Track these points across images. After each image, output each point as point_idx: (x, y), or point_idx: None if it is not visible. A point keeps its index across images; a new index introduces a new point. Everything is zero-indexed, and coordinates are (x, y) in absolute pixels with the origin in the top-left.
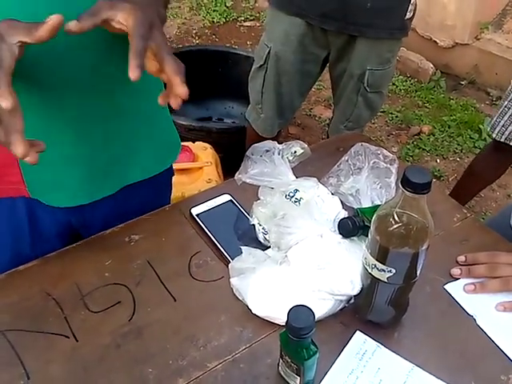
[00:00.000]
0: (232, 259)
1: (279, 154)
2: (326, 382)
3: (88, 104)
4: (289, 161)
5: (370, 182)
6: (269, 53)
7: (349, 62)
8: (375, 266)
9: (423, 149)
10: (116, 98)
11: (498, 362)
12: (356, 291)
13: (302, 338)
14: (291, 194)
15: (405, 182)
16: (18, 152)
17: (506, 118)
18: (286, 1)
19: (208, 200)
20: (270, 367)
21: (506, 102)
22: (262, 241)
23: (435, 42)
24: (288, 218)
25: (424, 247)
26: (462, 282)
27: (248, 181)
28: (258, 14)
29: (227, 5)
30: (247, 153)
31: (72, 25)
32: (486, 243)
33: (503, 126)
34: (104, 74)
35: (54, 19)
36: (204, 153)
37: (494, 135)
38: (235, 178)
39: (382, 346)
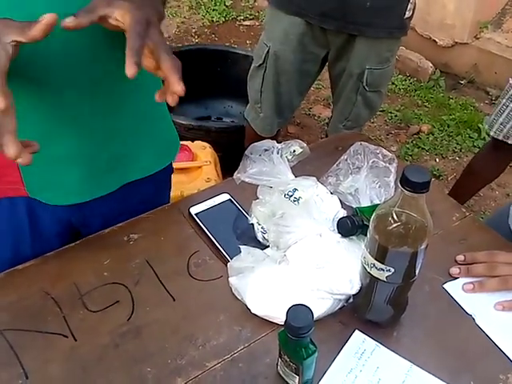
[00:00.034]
0: (231, 258)
1: (278, 153)
2: (324, 381)
3: (87, 102)
4: (288, 160)
5: (369, 181)
6: (268, 52)
7: (348, 61)
8: (374, 265)
9: (422, 148)
10: (115, 96)
11: (496, 361)
12: (355, 290)
13: (301, 337)
14: (290, 193)
15: (404, 181)
16: (10, 153)
17: (503, 115)
18: (285, 0)
19: (207, 199)
20: (269, 366)
21: (503, 100)
22: (261, 240)
23: (434, 41)
24: (287, 217)
25: (423, 246)
26: (461, 281)
27: (247, 180)
28: (257, 14)
29: (226, 4)
30: (246, 152)
31: (69, 20)
32: (484, 242)
33: (501, 123)
34: (102, 72)
35: (47, 18)
36: (203, 152)
37: (492, 133)
38: (234, 177)
39: (381, 345)
